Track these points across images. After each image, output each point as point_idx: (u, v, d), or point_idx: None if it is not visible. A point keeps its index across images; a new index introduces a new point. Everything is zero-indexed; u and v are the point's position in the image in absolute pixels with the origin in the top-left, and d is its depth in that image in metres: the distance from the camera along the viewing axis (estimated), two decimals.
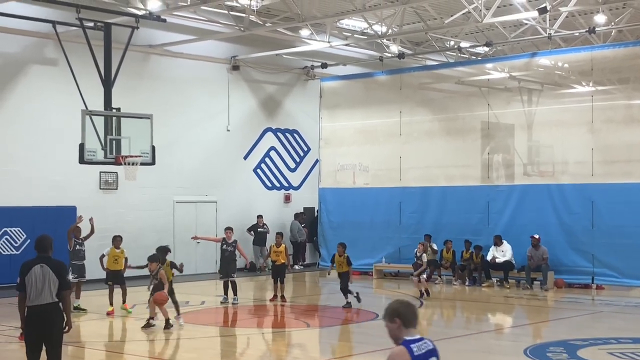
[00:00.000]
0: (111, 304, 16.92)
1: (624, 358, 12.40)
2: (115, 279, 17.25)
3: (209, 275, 24.18)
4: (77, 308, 16.76)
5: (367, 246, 25.35)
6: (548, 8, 20.39)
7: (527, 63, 23.78)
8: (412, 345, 5.28)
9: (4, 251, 21.38)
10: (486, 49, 27.53)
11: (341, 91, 27.43)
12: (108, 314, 16.79)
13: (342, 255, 18.15)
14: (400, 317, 5.38)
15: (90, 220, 18.24)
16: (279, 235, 19.92)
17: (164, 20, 21.27)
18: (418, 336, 5.38)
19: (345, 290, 17.88)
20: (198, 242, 24.33)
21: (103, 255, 17.49)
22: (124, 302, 17.19)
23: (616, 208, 20.81)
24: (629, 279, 20.66)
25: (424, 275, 20.10)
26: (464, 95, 25.17)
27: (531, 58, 23.75)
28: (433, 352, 5.40)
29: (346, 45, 26.65)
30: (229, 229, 18.96)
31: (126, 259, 17.73)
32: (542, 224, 21.99)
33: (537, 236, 21.51)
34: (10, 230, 21.53)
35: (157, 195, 24.47)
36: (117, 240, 17.63)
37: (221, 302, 18.46)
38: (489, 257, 22.37)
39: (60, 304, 9.12)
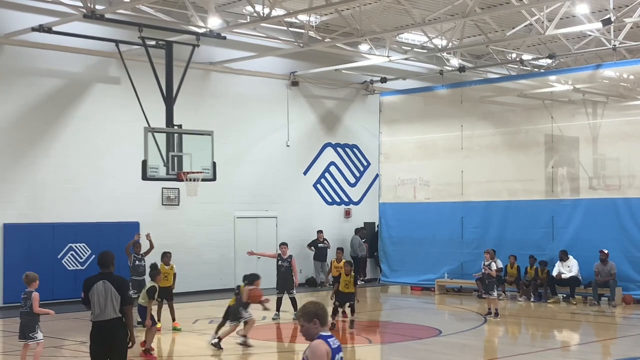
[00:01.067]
0: (159, 320, 16.91)
1: None
2: (164, 295, 17.21)
3: (270, 291, 24.18)
4: (139, 323, 16.89)
5: (428, 262, 25.10)
6: (612, 19, 19.96)
7: (591, 75, 23.30)
8: (328, 339, 6.02)
9: (70, 266, 21.76)
10: (549, 61, 27.11)
11: (401, 105, 27.28)
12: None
13: (350, 275, 17.09)
14: (318, 318, 6.07)
15: (147, 236, 18.43)
16: (340, 250, 19.79)
17: (224, 38, 21.48)
18: (330, 333, 6.11)
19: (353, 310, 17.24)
20: (259, 258, 24.39)
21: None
22: (173, 319, 17.17)
23: None
24: None
25: (495, 293, 19.03)
26: (526, 108, 24.76)
27: (595, 70, 23.26)
28: (340, 348, 6.14)
29: (405, 59, 26.51)
30: (284, 245, 18.96)
31: (175, 274, 17.76)
32: (609, 238, 21.44)
33: (605, 251, 20.98)
34: (76, 246, 21.92)
35: (218, 210, 24.64)
36: (166, 257, 17.69)
37: (273, 319, 18.32)
38: (554, 273, 21.90)
39: (123, 319, 9.20)
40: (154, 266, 15.98)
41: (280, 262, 18.71)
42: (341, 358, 6.12)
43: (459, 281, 24.60)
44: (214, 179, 18.94)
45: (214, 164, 18.75)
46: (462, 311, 20.68)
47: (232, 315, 14.92)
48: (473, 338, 16.30)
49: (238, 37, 23.93)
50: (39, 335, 12.05)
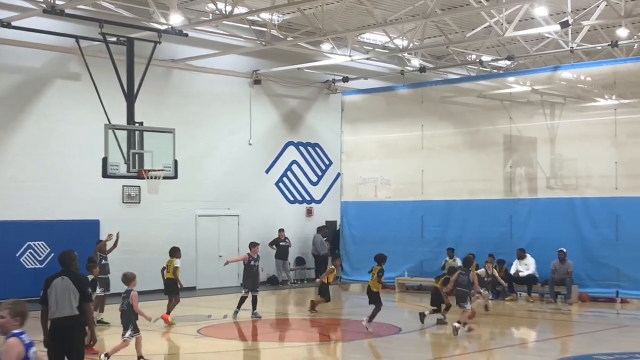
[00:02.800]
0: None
1: None
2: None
3: (232, 289, 24.20)
4: (100, 322, 16.81)
5: (389, 260, 25.00)
6: (570, 22, 20.31)
7: (549, 77, 23.68)
8: (22, 336, 6.41)
9: (28, 265, 21.51)
10: (508, 62, 27.45)
11: (363, 105, 27.44)
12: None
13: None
14: (22, 316, 6.52)
15: (117, 234, 18.43)
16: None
17: (186, 35, 21.41)
18: (22, 330, 6.48)
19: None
20: (220, 256, 24.42)
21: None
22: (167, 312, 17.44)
23: None
24: None
25: (486, 291, 19.68)
26: (485, 108, 25.08)
27: (553, 72, 23.65)
28: (33, 343, 6.48)
29: (367, 59, 26.67)
30: (255, 245, 18.94)
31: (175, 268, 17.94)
32: (566, 237, 21.81)
33: (564, 250, 21.36)
34: (34, 244, 21.68)
35: (180, 209, 24.55)
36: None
37: (233, 317, 18.28)
38: (512, 271, 22.21)
39: (82, 316, 9.13)
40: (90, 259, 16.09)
41: (252, 262, 18.60)
42: (34, 352, 6.45)
43: (419, 279, 24.82)
44: (175, 177, 18.88)
45: (176, 161, 18.69)
46: (422, 309, 20.85)
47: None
48: (432, 335, 16.48)
49: (200, 34, 23.87)
50: (128, 332, 12.58)
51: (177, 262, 17.88)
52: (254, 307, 18.24)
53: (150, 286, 20.12)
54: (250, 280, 18.53)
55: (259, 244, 19.27)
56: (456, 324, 15.57)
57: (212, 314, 19.07)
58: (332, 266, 21.08)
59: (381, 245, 25.36)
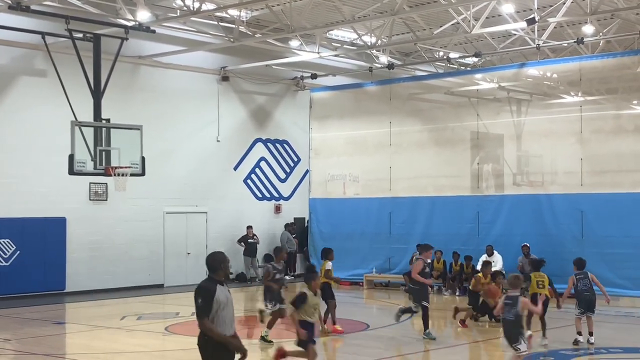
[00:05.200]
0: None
1: None
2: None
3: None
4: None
5: (357, 256, 25.36)
6: (536, 19, 20.49)
7: (516, 73, 23.89)
8: None
9: None
10: (475, 59, 27.64)
11: (331, 102, 27.47)
12: None
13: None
14: None
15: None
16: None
17: (154, 31, 21.27)
18: None
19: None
20: (188, 254, 24.35)
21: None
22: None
23: (605, 218, 20.89)
24: (618, 289, 20.63)
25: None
26: (453, 105, 25.24)
27: (520, 68, 23.86)
28: None
29: (335, 56, 26.69)
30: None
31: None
32: (532, 233, 22.04)
33: (528, 245, 21.57)
34: (0, 242, 21.41)
35: (147, 206, 24.41)
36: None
37: None
38: (478, 266, 22.36)
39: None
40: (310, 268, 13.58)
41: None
42: None
43: (386, 276, 24.94)
44: (142, 174, 18.77)
45: (143, 158, 18.59)
46: (390, 305, 20.97)
47: None
48: (400, 331, 16.56)
49: (168, 30, 23.74)
50: None
51: (329, 265, 16.46)
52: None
53: (118, 283, 20.09)
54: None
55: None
56: None
57: (179, 311, 18.98)
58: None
59: (349, 242, 25.56)
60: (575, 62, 22.32)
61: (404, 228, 24.94)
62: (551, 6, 21.33)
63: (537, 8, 21.13)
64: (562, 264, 21.48)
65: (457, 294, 22.59)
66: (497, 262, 22.18)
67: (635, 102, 22.49)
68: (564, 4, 20.65)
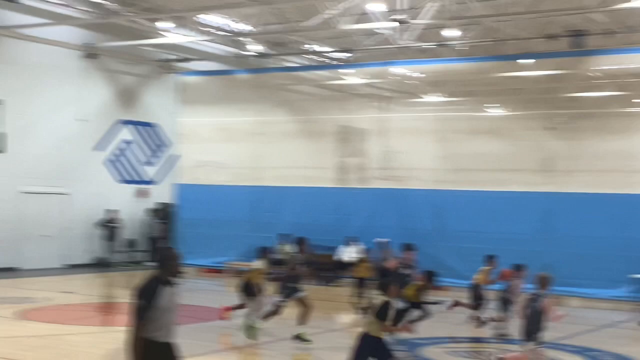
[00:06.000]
0: None
1: (462, 356, 13.08)
2: None
3: (55, 271, 23.50)
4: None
5: (222, 244, 25.36)
6: (404, 20, 21.08)
7: (382, 71, 24.52)
8: None
9: None
10: (344, 54, 28.10)
11: (201, 87, 27.27)
12: None
13: None
14: None
15: None
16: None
17: (17, 2, 20.45)
18: None
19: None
20: (47, 236, 23.62)
21: None
22: None
23: (461, 214, 21.89)
24: (469, 281, 21.65)
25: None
26: (321, 98, 25.65)
27: (386, 66, 24.52)
28: None
29: (207, 41, 26.52)
30: (410, 247, 16.01)
31: None
32: (392, 226, 22.70)
33: (382, 239, 22.24)
34: None
35: (2, 184, 23.49)
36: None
37: None
38: (339, 257, 22.89)
39: None
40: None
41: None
42: None
43: (250, 264, 24.95)
44: (3, 150, 18.07)
45: (4, 134, 17.88)
46: None
47: None
48: (260, 320, 16.69)
49: (33, 2, 22.95)
50: None
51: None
52: None
53: None
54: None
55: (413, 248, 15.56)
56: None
57: (34, 296, 18.47)
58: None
59: (215, 230, 25.54)
60: (438, 63, 23.21)
61: (270, 217, 25.16)
62: (418, 8, 21.99)
63: (405, 9, 21.74)
64: (420, 258, 22.36)
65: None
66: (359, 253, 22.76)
67: (490, 105, 23.64)
68: (431, 7, 21.35)
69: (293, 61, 29.69)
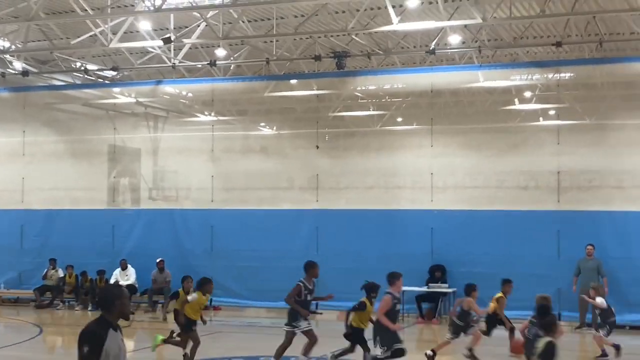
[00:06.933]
0: None
1: None
2: None
3: None
4: None
5: None
6: (172, 38, 21.05)
7: (153, 90, 24.35)
8: None
9: None
10: (113, 73, 27.52)
11: None
12: None
13: None
14: None
15: None
16: None
17: None
18: None
19: None
20: None
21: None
22: None
23: (234, 233, 22.20)
24: (244, 300, 22.07)
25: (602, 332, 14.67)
26: (91, 117, 25.02)
27: (156, 85, 24.38)
28: None
29: None
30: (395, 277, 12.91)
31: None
32: (167, 247, 22.65)
33: (163, 259, 22.11)
34: None
35: None
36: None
37: None
38: (112, 280, 22.37)
39: None
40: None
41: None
42: None
43: (16, 291, 23.95)
44: None
45: None
46: (19, 323, 20.18)
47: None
48: (29, 351, 16.02)
49: None
50: None
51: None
52: None
53: None
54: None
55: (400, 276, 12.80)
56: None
57: None
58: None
59: None
60: (208, 83, 23.44)
61: (37, 241, 24.18)
62: (187, 27, 22.04)
63: (174, 28, 21.73)
64: (195, 277, 22.38)
65: (89, 309, 22.31)
66: (131, 276, 22.44)
67: (262, 124, 24.20)
68: (199, 26, 21.50)
69: (59, 79, 28.59)
